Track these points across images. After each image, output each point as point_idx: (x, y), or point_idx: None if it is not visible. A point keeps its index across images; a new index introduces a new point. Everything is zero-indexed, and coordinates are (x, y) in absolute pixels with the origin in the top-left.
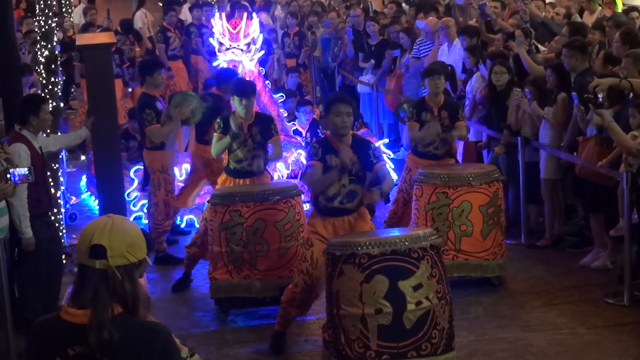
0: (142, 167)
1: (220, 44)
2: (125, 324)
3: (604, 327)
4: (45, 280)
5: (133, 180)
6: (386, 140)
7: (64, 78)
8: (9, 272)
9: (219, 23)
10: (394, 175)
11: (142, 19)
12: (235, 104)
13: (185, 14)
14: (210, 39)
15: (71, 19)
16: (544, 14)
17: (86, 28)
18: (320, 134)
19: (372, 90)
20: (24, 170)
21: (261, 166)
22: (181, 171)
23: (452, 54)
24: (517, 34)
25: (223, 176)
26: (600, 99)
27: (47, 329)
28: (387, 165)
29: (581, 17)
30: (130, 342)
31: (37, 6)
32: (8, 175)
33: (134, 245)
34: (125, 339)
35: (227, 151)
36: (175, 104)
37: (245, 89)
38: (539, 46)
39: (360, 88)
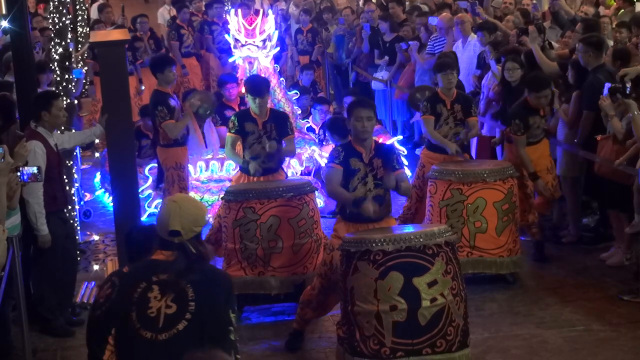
0: (156, 165)
1: (236, 40)
2: (200, 265)
3: (620, 324)
4: (60, 277)
5: (148, 177)
6: (400, 137)
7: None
8: (23, 269)
9: (234, 19)
10: (408, 172)
11: (163, 16)
12: (249, 102)
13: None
14: (226, 36)
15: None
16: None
17: (94, 25)
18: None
19: (386, 86)
20: (33, 169)
21: (274, 149)
22: (196, 169)
23: (467, 49)
24: (530, 30)
25: (238, 174)
26: (629, 89)
27: (139, 265)
28: (406, 174)
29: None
30: (206, 277)
31: (52, 3)
32: (18, 173)
33: (197, 220)
34: (202, 275)
35: (242, 147)
36: (188, 99)
37: (259, 87)
38: (552, 42)
39: (375, 85)
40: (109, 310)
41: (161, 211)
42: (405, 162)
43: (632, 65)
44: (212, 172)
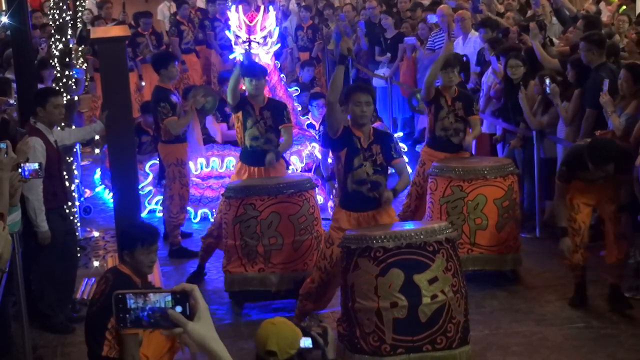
0: (157, 162)
1: (237, 36)
2: None
3: (620, 321)
4: (60, 274)
5: (148, 174)
6: (400, 134)
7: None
8: (24, 266)
9: (235, 16)
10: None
11: (163, 12)
12: (246, 84)
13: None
14: (227, 32)
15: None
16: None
17: (95, 20)
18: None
19: (387, 83)
20: (34, 166)
21: (271, 146)
22: (196, 165)
23: (467, 46)
24: (531, 27)
25: (238, 164)
26: None
27: None
28: (405, 163)
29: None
30: None
31: (52, 0)
32: (19, 170)
33: (293, 343)
34: None
35: (242, 130)
36: (191, 95)
37: (255, 69)
38: (553, 39)
39: (375, 82)
40: (104, 305)
41: (259, 331)
42: (406, 158)
43: (625, 60)
44: (213, 169)
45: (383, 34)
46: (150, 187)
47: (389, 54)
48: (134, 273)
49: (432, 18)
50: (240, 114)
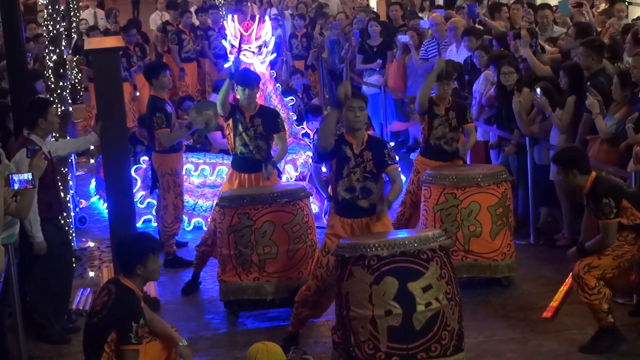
0: (141, 166)
1: (232, 46)
2: None
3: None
4: (56, 284)
5: (136, 179)
6: (392, 144)
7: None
8: (19, 276)
9: (231, 25)
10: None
11: (155, 22)
12: (239, 93)
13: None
14: (223, 41)
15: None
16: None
17: (90, 31)
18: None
19: (380, 91)
20: (27, 176)
21: (262, 153)
22: (190, 172)
23: (461, 54)
24: (523, 34)
25: (229, 171)
26: None
27: None
28: (399, 170)
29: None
30: None
31: (46, 11)
32: (9, 180)
33: None
34: None
35: (233, 136)
36: (195, 111)
37: (248, 78)
38: (545, 46)
39: (367, 89)
40: (106, 317)
41: (250, 348)
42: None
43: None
44: (205, 178)
45: (367, 41)
46: (142, 192)
47: (379, 61)
48: (138, 286)
49: (425, 23)
50: (230, 121)
